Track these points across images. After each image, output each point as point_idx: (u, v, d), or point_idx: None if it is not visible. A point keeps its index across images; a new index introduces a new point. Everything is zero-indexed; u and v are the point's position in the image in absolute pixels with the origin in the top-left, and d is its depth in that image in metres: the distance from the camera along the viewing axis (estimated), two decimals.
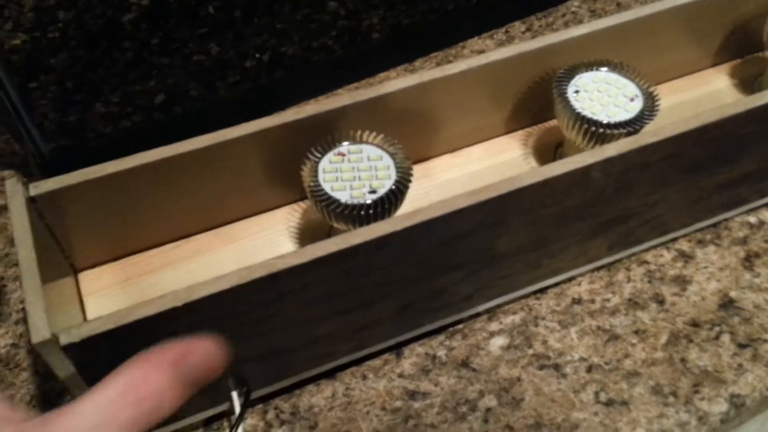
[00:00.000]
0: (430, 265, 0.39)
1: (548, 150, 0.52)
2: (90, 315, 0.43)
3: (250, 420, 0.42)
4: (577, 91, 0.46)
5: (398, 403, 0.43)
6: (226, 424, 0.42)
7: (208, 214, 0.46)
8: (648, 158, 0.40)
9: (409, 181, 0.41)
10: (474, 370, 0.44)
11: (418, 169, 0.46)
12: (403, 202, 0.41)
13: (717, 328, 0.45)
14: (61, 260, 0.42)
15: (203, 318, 0.34)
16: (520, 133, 0.53)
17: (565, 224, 0.42)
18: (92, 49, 0.48)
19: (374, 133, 0.43)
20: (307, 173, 0.41)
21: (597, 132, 0.44)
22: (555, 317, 0.46)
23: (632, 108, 0.45)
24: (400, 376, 0.44)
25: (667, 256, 0.49)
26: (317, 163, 0.42)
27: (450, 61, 0.64)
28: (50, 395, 0.43)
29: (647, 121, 0.44)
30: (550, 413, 0.42)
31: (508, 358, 0.44)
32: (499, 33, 0.66)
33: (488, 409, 0.42)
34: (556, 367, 0.44)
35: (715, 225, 0.50)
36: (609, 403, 0.42)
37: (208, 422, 0.42)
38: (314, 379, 0.43)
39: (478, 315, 0.46)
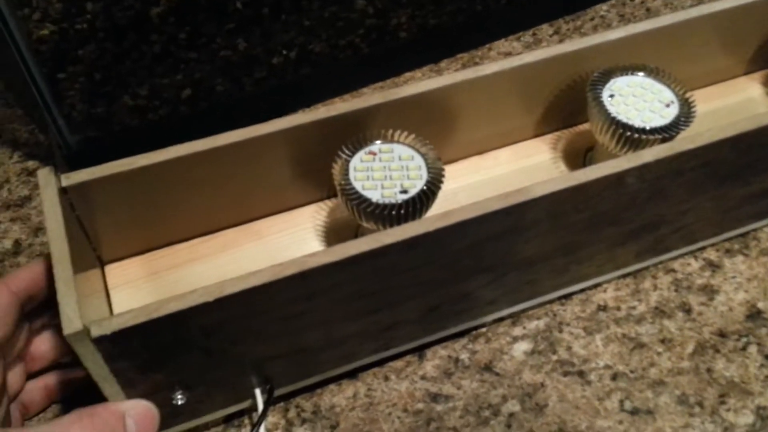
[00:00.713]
0: (459, 267, 0.39)
1: (577, 154, 0.52)
2: (116, 308, 0.43)
3: (271, 418, 0.42)
4: (612, 95, 0.45)
5: (420, 405, 0.42)
6: (246, 421, 0.42)
7: (235, 209, 0.46)
8: (683, 165, 0.39)
9: (441, 182, 0.41)
10: (497, 374, 0.43)
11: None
12: (433, 203, 0.41)
13: (744, 339, 0.45)
14: (89, 252, 0.42)
15: (233, 314, 0.34)
16: (549, 137, 0.52)
17: (595, 230, 0.41)
18: (120, 41, 0.48)
19: (405, 133, 0.43)
20: (337, 171, 0.41)
21: (632, 137, 0.43)
22: (580, 323, 0.46)
23: (668, 114, 0.44)
24: (423, 378, 0.43)
25: (694, 265, 0.48)
26: (348, 161, 0.41)
27: (476, 63, 0.63)
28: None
29: (683, 127, 0.43)
30: (574, 420, 0.41)
31: (532, 364, 0.44)
32: (526, 35, 0.66)
33: (511, 414, 0.42)
34: (581, 373, 0.43)
35: (743, 235, 0.50)
36: (634, 412, 0.42)
37: (228, 419, 0.42)
38: (336, 379, 0.43)
39: (501, 319, 0.46)
